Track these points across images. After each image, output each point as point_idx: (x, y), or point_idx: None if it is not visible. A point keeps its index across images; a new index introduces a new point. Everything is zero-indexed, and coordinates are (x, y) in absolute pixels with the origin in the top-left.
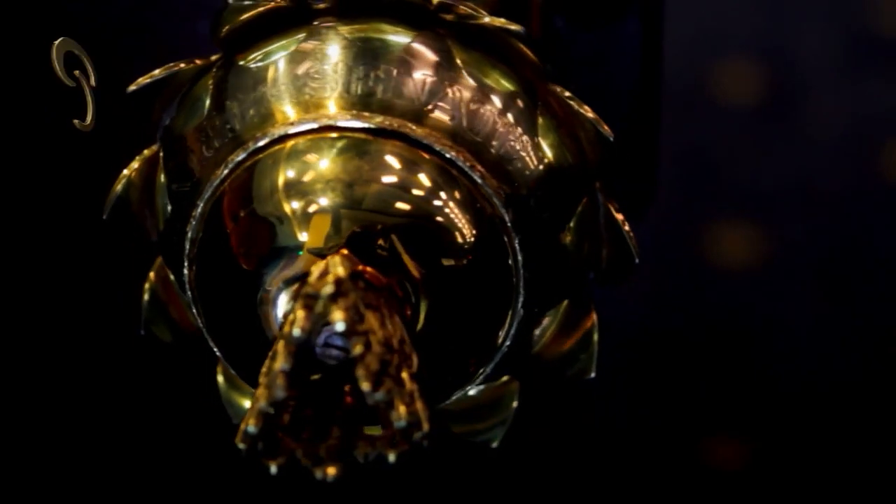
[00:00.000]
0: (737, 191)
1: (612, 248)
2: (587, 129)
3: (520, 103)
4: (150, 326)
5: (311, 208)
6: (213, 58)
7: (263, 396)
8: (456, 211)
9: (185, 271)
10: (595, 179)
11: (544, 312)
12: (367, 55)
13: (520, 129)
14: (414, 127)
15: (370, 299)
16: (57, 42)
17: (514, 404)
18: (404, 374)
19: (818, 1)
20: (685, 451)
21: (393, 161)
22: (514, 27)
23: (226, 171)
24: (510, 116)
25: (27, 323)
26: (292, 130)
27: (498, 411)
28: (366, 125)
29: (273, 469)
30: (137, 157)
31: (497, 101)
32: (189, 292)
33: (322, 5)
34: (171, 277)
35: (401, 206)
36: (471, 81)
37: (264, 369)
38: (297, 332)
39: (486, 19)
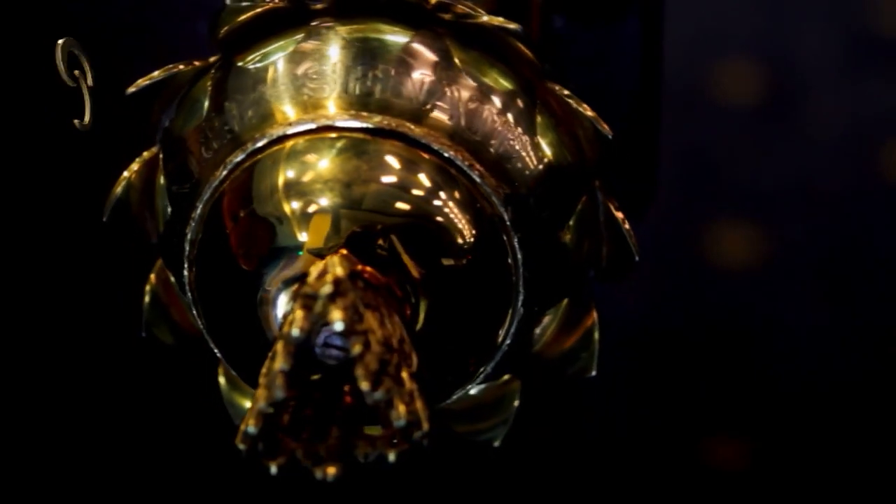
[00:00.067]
0: (737, 191)
1: (611, 245)
2: (586, 128)
3: (518, 102)
4: (152, 328)
5: (311, 208)
6: (212, 59)
7: (263, 397)
8: (455, 210)
9: (185, 273)
10: (594, 177)
11: (545, 311)
12: (365, 55)
13: (518, 128)
14: (412, 126)
15: (369, 299)
16: (61, 42)
17: (516, 403)
18: (404, 374)
19: (818, 1)
20: (685, 451)
21: (392, 161)
22: (511, 26)
23: (224, 173)
24: (509, 115)
25: (29, 326)
26: (291, 131)
27: (499, 410)
28: (364, 125)
29: (273, 469)
30: (137, 160)
31: (495, 100)
32: (189, 294)
33: (320, 6)
34: (172, 279)
35: (400, 205)
36: (469, 81)
37: (264, 370)
38: (295, 332)
39: (484, 18)
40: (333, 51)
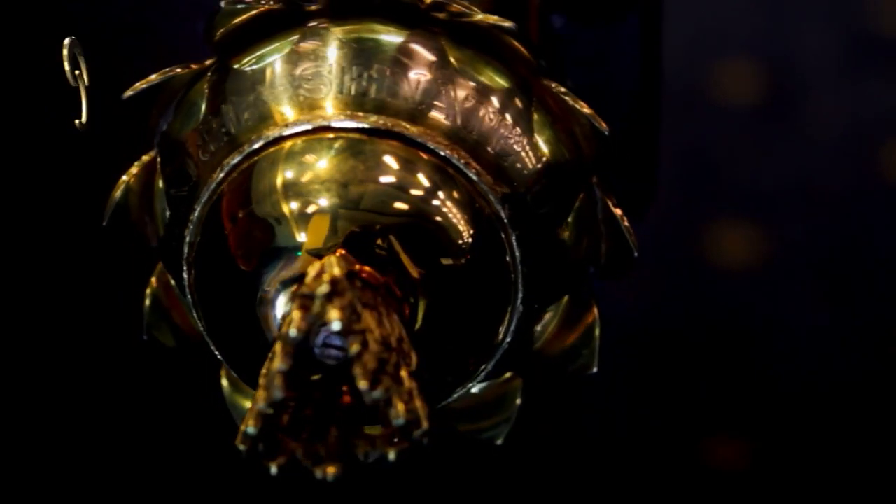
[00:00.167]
0: (737, 191)
1: (610, 242)
2: (583, 125)
3: (515, 100)
4: (153, 331)
5: (309, 209)
6: (208, 62)
7: (262, 397)
8: (453, 209)
9: (185, 275)
10: (592, 174)
11: (544, 308)
12: (360, 55)
13: (515, 126)
14: (409, 126)
15: (367, 298)
16: (67, 41)
17: (518, 401)
18: (403, 373)
19: (818, 1)
20: (685, 450)
21: (389, 161)
22: (506, 24)
23: (222, 175)
24: (505, 113)
25: (30, 330)
26: (287, 132)
27: (502, 409)
28: (361, 125)
29: (273, 470)
30: (136, 163)
31: (492, 99)
32: (189, 296)
33: (314, 7)
34: (173, 282)
35: (398, 205)
36: (465, 80)
37: (263, 371)
38: (293, 332)
39: (479, 17)
40: (329, 52)
